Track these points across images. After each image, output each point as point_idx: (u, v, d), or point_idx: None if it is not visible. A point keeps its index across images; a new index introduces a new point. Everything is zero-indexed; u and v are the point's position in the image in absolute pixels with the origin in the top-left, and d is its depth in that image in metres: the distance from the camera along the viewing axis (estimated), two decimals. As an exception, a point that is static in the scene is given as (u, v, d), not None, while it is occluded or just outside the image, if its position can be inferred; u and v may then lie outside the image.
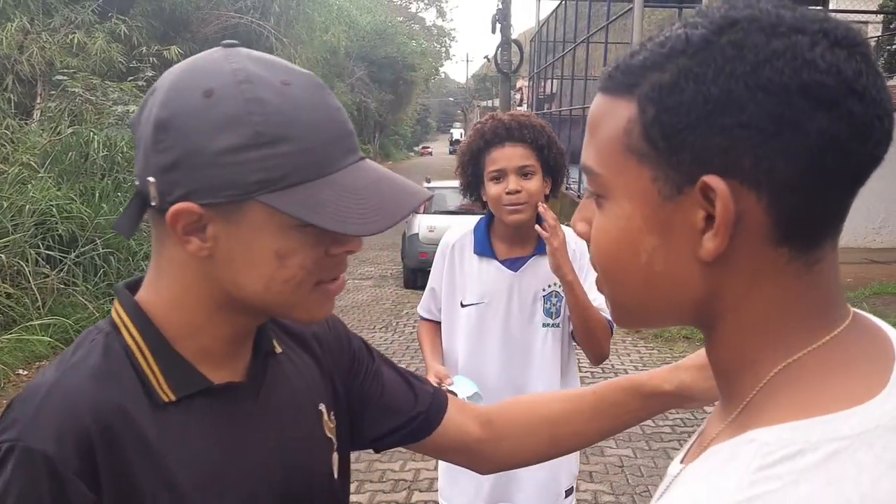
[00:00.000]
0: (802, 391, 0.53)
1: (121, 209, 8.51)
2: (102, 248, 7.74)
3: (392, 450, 3.75)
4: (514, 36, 19.00)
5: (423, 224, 9.82)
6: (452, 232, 2.18)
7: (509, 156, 1.94)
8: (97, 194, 8.31)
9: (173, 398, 0.79)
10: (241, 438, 0.83)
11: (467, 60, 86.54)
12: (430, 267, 9.01)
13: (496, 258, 2.06)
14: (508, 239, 2.05)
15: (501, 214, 1.98)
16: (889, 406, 0.51)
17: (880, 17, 17.89)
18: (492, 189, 1.96)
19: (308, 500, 0.90)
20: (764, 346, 0.57)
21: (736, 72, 0.51)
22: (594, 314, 1.92)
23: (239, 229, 0.75)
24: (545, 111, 22.71)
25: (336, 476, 0.96)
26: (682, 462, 0.65)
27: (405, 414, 1.05)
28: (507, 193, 1.93)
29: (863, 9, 20.02)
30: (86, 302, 7.08)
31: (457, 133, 67.01)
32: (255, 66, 0.75)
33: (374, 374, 1.05)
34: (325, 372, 0.98)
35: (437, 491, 2.39)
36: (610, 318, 1.92)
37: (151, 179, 0.74)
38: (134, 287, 0.85)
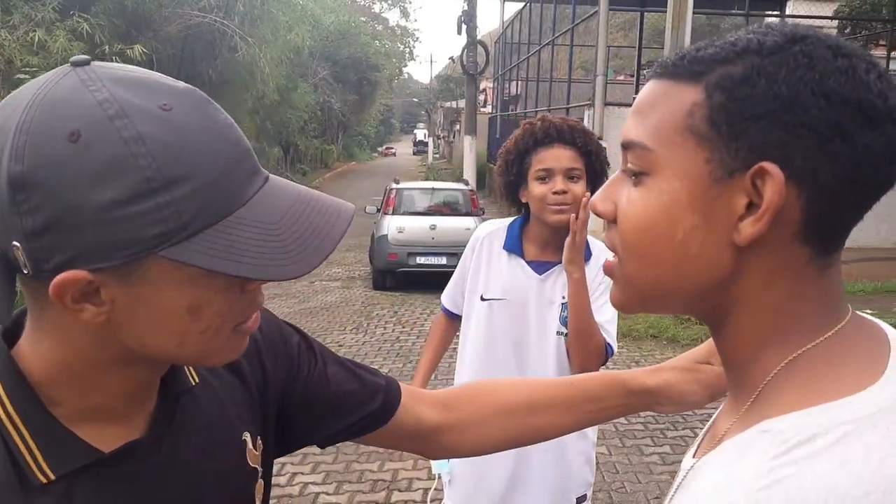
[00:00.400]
0: (808, 382, 0.58)
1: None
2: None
3: (370, 450, 3.76)
4: (478, 37, 19.04)
5: (391, 225, 9.82)
6: (487, 225, 2.18)
7: (558, 156, 1.94)
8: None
9: (52, 478, 0.66)
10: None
11: (431, 61, 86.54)
12: (399, 268, 9.09)
13: (524, 258, 2.05)
14: (541, 242, 2.04)
15: (544, 214, 1.96)
16: (888, 391, 0.55)
17: (835, 23, 18.35)
18: (537, 188, 1.95)
19: None
20: (773, 340, 0.61)
21: (805, 77, 0.56)
22: (593, 325, 1.92)
23: (140, 289, 0.63)
24: (510, 112, 22.84)
25: None
26: (694, 456, 0.68)
27: (354, 412, 0.99)
28: (554, 193, 1.92)
29: (819, 14, 20.49)
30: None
31: (420, 134, 66.96)
32: (126, 92, 0.61)
33: (318, 375, 0.97)
34: (251, 390, 0.89)
35: (416, 491, 2.40)
36: (610, 341, 1.95)
37: (17, 244, 0.60)
38: (12, 331, 0.70)
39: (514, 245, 2.06)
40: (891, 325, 0.72)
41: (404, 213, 10.10)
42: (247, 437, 0.86)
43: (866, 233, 11.75)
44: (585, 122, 11.85)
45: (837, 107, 0.55)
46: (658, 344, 6.75)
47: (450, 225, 9.87)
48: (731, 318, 0.63)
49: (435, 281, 10.24)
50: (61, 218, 0.59)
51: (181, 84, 0.67)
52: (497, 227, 2.13)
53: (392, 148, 67.24)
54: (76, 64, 0.63)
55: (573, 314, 1.91)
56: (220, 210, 0.63)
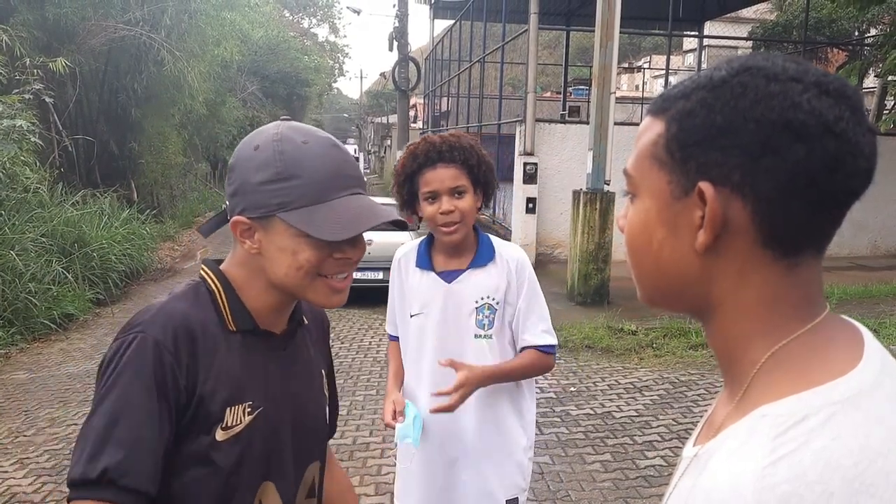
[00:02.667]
0: (794, 369, 0.66)
1: (5, 228, 8.05)
2: (-13, 271, 7.30)
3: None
4: (409, 53, 19.14)
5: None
6: (402, 248, 2.30)
7: (441, 177, 2.03)
8: (-20, 213, 7.83)
9: (234, 329, 1.19)
10: (273, 368, 1.23)
11: (361, 77, 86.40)
12: (364, 281, 9.02)
13: (434, 270, 2.16)
14: (446, 252, 2.16)
15: (437, 234, 2.11)
16: (865, 375, 0.64)
17: (750, 44, 19.12)
18: (427, 209, 2.06)
19: (312, 432, 1.31)
20: (755, 333, 0.69)
21: (738, 106, 0.66)
22: (524, 369, 2.13)
23: (270, 235, 1.15)
24: (440, 128, 22.98)
25: (327, 421, 1.39)
26: (694, 445, 0.75)
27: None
28: (441, 213, 2.03)
29: (734, 35, 21.33)
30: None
31: (351, 149, 66.55)
32: (289, 131, 1.16)
33: (330, 381, 1.44)
34: (323, 350, 1.43)
35: (374, 451, 2.41)
36: (546, 341, 2.12)
37: (227, 203, 1.18)
38: (217, 262, 1.26)
39: (423, 261, 2.19)
40: (871, 325, 0.81)
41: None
42: (323, 372, 1.40)
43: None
44: (517, 138, 12.06)
45: (765, 128, 0.64)
46: (593, 354, 6.90)
47: (386, 240, 9.85)
48: (715, 316, 0.72)
49: (371, 296, 10.21)
50: (241, 187, 1.15)
51: (325, 133, 1.20)
52: (410, 246, 2.26)
53: (322, 163, 66.45)
54: (283, 119, 1.21)
55: (514, 379, 2.15)
56: (312, 199, 1.12)
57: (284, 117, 1.22)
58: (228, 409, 1.14)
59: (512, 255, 2.17)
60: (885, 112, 17.40)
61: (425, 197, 2.06)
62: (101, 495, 1.01)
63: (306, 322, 1.35)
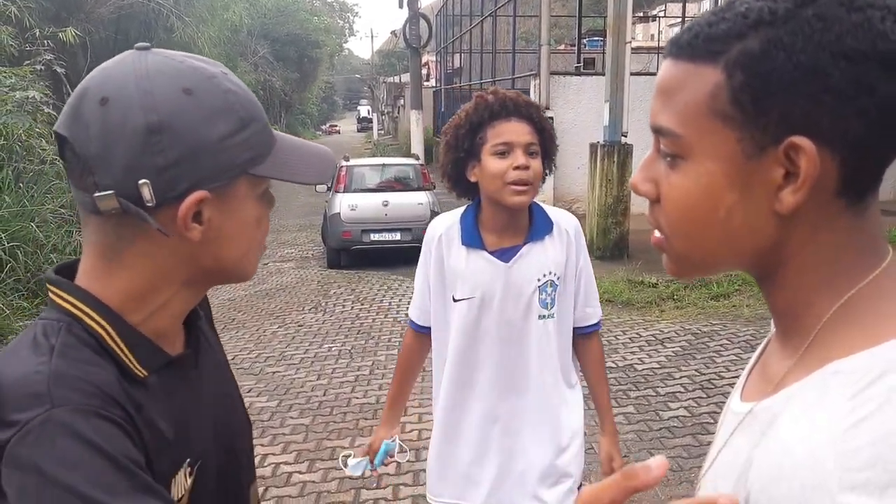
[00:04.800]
0: (865, 321, 0.60)
1: (24, 200, 8.12)
2: (8, 243, 7.38)
3: (340, 426, 3.76)
4: (420, 10, 18.89)
5: (343, 203, 9.75)
6: (438, 223, 2.00)
7: (517, 130, 1.80)
8: (-3, 186, 7.89)
9: (146, 374, 0.84)
10: (193, 399, 0.93)
11: (372, 36, 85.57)
12: (353, 246, 8.91)
13: (486, 249, 1.90)
14: (499, 228, 1.89)
15: (502, 194, 1.80)
16: None
17: None
18: (494, 164, 1.79)
19: (246, 450, 1.06)
20: (822, 286, 0.63)
21: (822, 41, 0.56)
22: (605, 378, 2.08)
23: (229, 205, 0.85)
24: (454, 85, 22.79)
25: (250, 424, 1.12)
26: (743, 399, 0.70)
27: None
28: (515, 168, 1.77)
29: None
30: (-6, 299, 6.74)
31: (364, 110, 66.30)
32: (198, 62, 0.85)
33: None
34: (213, 328, 1.11)
35: (389, 465, 2.39)
36: (597, 317, 2.03)
37: (145, 181, 0.78)
38: (66, 275, 0.87)
39: (471, 238, 1.91)
40: None
41: (356, 191, 10.04)
42: (227, 361, 1.10)
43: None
44: (532, 93, 11.90)
45: (859, 64, 0.56)
46: (614, 308, 6.89)
47: (402, 201, 9.86)
48: (780, 272, 0.65)
49: (389, 257, 10.27)
50: (190, 152, 0.80)
51: (207, 59, 0.88)
52: (450, 221, 1.97)
53: (336, 125, 66.61)
54: (140, 48, 0.84)
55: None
56: (271, 142, 0.88)
57: (140, 45, 0.85)
58: (172, 479, 0.85)
59: (569, 224, 1.97)
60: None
61: (495, 151, 1.79)
62: None
63: (201, 314, 1.03)
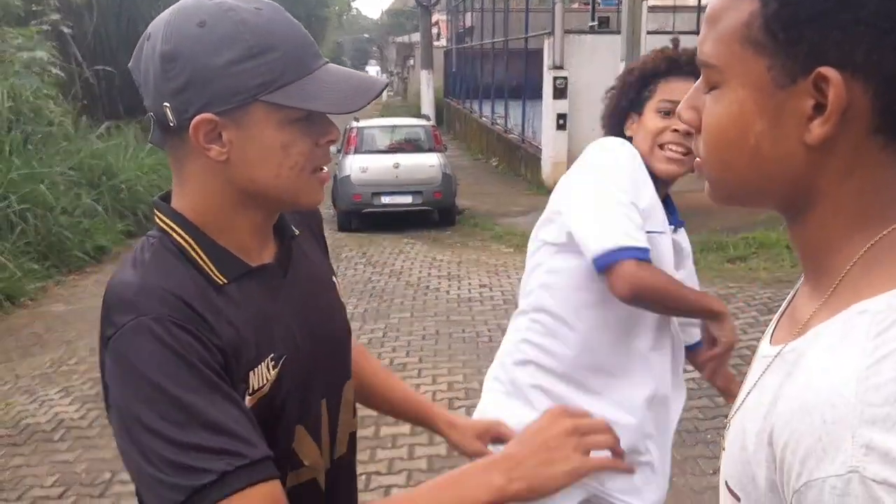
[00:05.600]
0: (894, 262, 0.59)
1: (33, 163, 8.07)
2: (18, 205, 7.34)
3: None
4: (430, -32, 18.54)
5: (354, 165, 9.66)
6: (620, 144, 1.66)
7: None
8: (7, 149, 7.83)
9: (225, 282, 0.96)
10: (279, 304, 1.02)
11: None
12: (364, 208, 8.83)
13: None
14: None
15: (653, 157, 1.62)
16: None
17: None
18: (654, 121, 1.61)
19: (341, 353, 1.15)
20: (854, 226, 0.62)
21: None
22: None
23: (248, 130, 0.92)
24: (464, 45, 22.45)
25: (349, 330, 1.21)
26: (772, 343, 0.70)
27: None
28: (674, 131, 1.59)
29: None
30: (6, 261, 6.72)
31: (373, 71, 65.60)
32: (239, 2, 0.92)
33: None
34: (325, 252, 1.22)
35: (401, 447, 2.22)
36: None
37: (167, 104, 0.90)
38: (166, 200, 1.01)
39: (654, 181, 1.65)
40: None
41: (366, 152, 9.94)
42: (335, 279, 1.19)
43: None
44: (545, 52, 11.69)
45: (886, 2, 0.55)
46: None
47: (413, 162, 9.75)
48: (811, 210, 0.64)
49: (401, 220, 10.19)
50: (196, 77, 0.89)
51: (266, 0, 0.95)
52: (629, 147, 1.65)
53: (345, 87, 65.80)
54: None
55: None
56: (298, 72, 0.92)
57: None
58: (251, 372, 0.95)
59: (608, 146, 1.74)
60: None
61: (660, 108, 1.61)
62: (251, 479, 0.83)
63: (297, 233, 1.11)
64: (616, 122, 1.72)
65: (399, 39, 45.56)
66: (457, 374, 4.67)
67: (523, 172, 13.26)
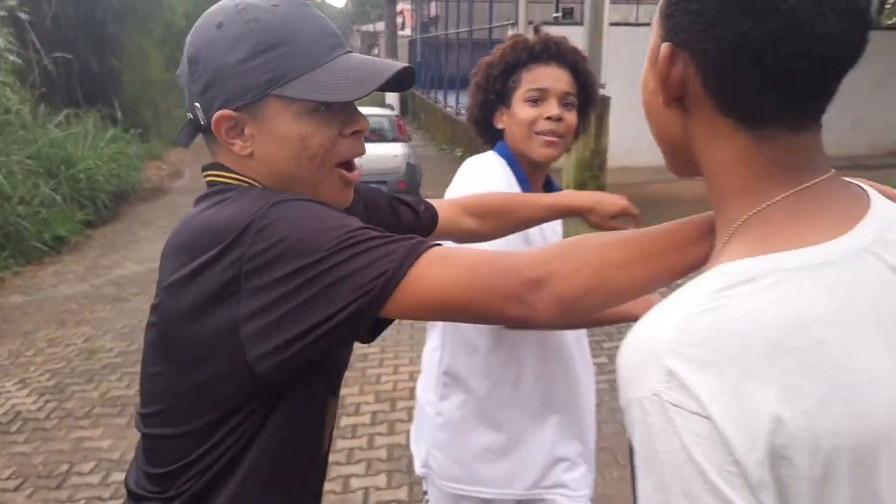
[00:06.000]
0: (766, 233, 0.67)
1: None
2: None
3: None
4: (395, -43, 18.43)
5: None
6: (486, 163, 1.71)
7: (556, 77, 1.63)
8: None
9: None
10: None
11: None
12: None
13: None
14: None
15: (529, 145, 1.65)
16: (837, 248, 0.64)
17: None
18: (524, 111, 1.63)
19: None
20: (731, 192, 0.71)
21: None
22: None
23: (266, 124, 0.97)
24: (429, 35, 22.40)
25: None
26: None
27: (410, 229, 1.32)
28: (547, 118, 1.62)
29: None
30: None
31: (338, 60, 64.79)
32: (257, 3, 0.97)
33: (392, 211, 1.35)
34: None
35: (364, 414, 2.22)
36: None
37: (197, 105, 0.98)
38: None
39: (524, 182, 1.69)
40: None
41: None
42: None
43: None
44: (508, 43, 11.72)
45: (729, 3, 0.64)
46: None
47: (377, 152, 9.71)
48: (704, 174, 0.74)
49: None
50: (214, 76, 0.95)
51: None
52: (496, 161, 1.71)
53: (309, 76, 65.10)
54: None
55: None
56: (308, 65, 0.95)
57: None
58: None
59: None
60: (886, 6, 16.93)
61: (528, 97, 1.63)
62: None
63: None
64: (484, 116, 1.75)
65: (364, 28, 45.21)
66: (418, 363, 4.70)
67: (488, 163, 13.26)
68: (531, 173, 1.70)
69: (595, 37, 8.50)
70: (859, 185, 0.73)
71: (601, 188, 8.75)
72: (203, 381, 0.95)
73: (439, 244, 0.93)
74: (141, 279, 7.19)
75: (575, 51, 1.68)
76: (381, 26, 24.83)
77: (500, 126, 1.71)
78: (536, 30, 1.71)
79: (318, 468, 1.16)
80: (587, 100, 1.71)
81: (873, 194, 0.72)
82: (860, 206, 0.69)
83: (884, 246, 0.66)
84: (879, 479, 0.61)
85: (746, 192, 0.69)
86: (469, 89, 1.81)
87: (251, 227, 0.87)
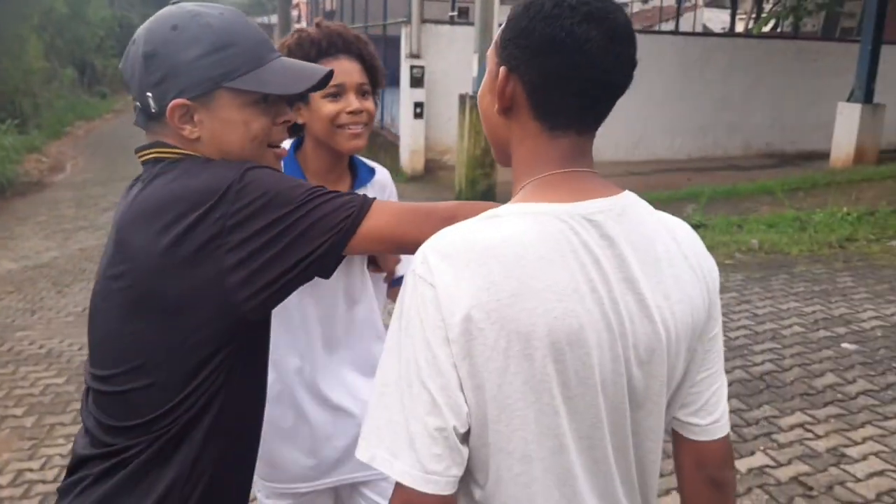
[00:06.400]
0: (527, 194, 0.98)
1: None
2: None
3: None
4: (290, -51, 18.16)
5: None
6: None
7: (349, 70, 1.67)
8: None
9: None
10: None
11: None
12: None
13: None
14: (323, 171, 1.76)
15: (336, 139, 1.69)
16: (560, 207, 0.94)
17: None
18: (325, 108, 1.66)
19: None
20: (525, 172, 1.01)
21: (533, 19, 0.94)
22: None
23: (215, 112, 1.15)
24: (326, 30, 22.12)
25: None
26: None
27: None
28: (349, 113, 1.67)
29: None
30: None
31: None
32: (201, 7, 1.17)
33: None
34: None
35: None
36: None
37: (149, 94, 1.13)
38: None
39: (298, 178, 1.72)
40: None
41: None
42: None
43: (662, 145, 12.75)
44: (402, 41, 11.78)
45: (538, 39, 0.94)
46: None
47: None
48: (512, 162, 1.04)
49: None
50: (171, 70, 1.13)
51: (229, 6, 1.21)
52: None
53: (203, 67, 63.08)
54: (174, 2, 1.18)
55: None
56: (253, 64, 1.16)
57: (174, 2, 1.21)
58: None
59: (384, 175, 1.92)
60: (762, 14, 17.97)
61: (326, 93, 1.66)
62: None
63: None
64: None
65: (259, 20, 44.23)
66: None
67: (382, 160, 13.22)
68: (335, 162, 1.77)
69: (485, 37, 8.68)
70: (620, 189, 1.01)
71: (492, 186, 8.94)
72: (185, 330, 1.10)
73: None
74: (15, 277, 6.86)
75: (358, 38, 1.73)
76: (276, 19, 24.38)
77: (301, 121, 1.72)
78: (318, 24, 1.74)
79: (262, 417, 1.35)
80: (376, 82, 1.76)
81: (629, 196, 1.01)
82: (600, 192, 0.97)
83: (587, 214, 0.94)
84: (546, 367, 0.89)
85: (534, 171, 0.99)
86: None
87: (232, 188, 1.07)
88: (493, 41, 1.03)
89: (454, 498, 0.91)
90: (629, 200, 0.99)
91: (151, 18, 1.18)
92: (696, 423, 1.07)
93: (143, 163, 1.19)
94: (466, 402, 0.89)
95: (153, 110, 1.14)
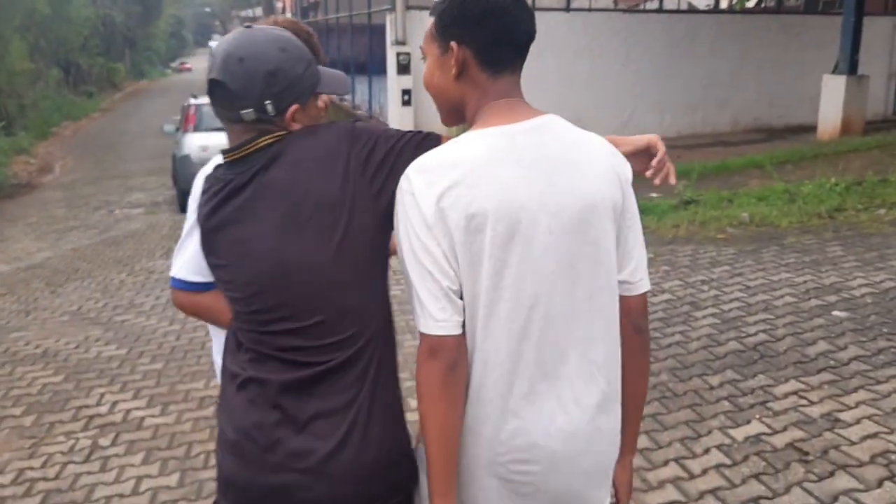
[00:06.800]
0: (479, 122, 1.33)
1: None
2: None
3: (194, 370, 3.69)
4: (270, -60, 18.01)
5: (193, 143, 9.37)
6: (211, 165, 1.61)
7: None
8: None
9: None
10: None
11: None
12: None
13: None
14: None
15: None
16: (501, 127, 1.29)
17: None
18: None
19: None
20: (477, 109, 1.34)
21: (465, 4, 1.30)
22: None
23: (307, 111, 1.46)
24: (309, 20, 22.04)
25: None
26: None
27: None
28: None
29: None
30: None
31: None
32: (280, 32, 1.45)
33: None
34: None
35: None
36: None
37: (268, 102, 1.38)
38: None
39: None
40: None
41: (206, 130, 9.64)
42: None
43: (651, 124, 12.76)
44: (387, 28, 11.75)
45: (476, 13, 1.29)
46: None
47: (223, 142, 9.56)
48: (466, 111, 1.37)
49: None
50: (290, 83, 1.40)
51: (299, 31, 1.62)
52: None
53: (187, 63, 62.71)
54: (247, 27, 1.45)
55: None
56: (319, 73, 1.48)
57: (247, 24, 1.47)
58: None
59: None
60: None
61: None
62: None
63: None
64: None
65: (243, 13, 43.93)
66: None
67: (372, 148, 13.22)
68: None
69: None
70: (546, 112, 1.34)
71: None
72: (373, 246, 1.39)
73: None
74: (7, 279, 6.85)
75: (309, 34, 1.70)
76: (260, 11, 24.24)
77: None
78: (275, 22, 1.73)
79: None
80: None
81: (555, 116, 1.34)
82: (531, 114, 1.32)
83: (522, 130, 1.29)
84: (495, 237, 1.23)
85: (483, 104, 1.33)
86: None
87: (355, 132, 1.41)
88: (426, 34, 1.37)
89: (463, 336, 1.25)
90: (555, 119, 1.33)
91: (258, 41, 1.40)
92: (626, 279, 1.39)
93: (256, 151, 1.39)
94: (451, 267, 1.24)
95: (272, 114, 1.39)
